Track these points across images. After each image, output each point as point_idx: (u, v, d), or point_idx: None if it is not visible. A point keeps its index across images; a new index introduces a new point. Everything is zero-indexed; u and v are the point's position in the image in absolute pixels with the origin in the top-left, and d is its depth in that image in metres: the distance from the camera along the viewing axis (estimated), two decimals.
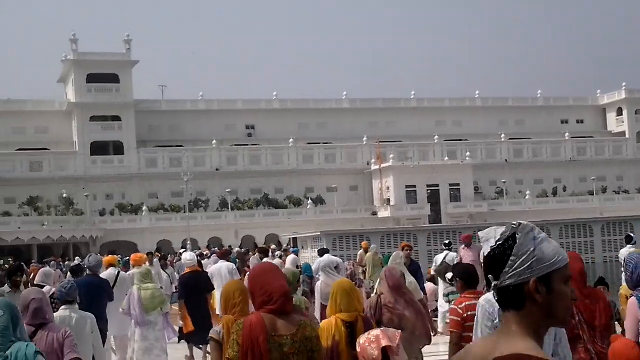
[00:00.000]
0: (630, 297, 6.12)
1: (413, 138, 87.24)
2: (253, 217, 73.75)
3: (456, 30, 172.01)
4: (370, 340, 5.46)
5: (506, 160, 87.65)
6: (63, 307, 7.64)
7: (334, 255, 15.25)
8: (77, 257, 44.16)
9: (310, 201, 77.21)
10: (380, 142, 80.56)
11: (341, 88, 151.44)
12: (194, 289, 12.70)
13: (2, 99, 79.21)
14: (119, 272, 13.55)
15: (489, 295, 4.90)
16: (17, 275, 10.36)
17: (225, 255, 17.86)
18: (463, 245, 15.74)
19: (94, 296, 10.62)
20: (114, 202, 74.72)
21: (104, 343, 10.09)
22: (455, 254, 15.88)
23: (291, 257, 16.22)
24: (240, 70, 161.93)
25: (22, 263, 12.43)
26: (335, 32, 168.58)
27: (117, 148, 77.36)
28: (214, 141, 79.37)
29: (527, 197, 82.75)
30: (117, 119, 77.34)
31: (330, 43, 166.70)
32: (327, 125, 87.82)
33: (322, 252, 14.82)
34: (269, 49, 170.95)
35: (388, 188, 79.24)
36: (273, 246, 37.61)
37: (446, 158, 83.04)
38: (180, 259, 25.62)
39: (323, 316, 7.49)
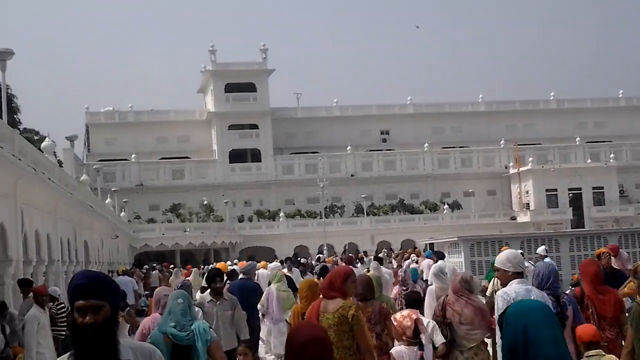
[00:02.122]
0: None
1: (553, 140, 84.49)
2: (389, 223, 73.27)
3: (598, 29, 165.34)
4: (404, 316, 7.30)
5: None
6: None
7: (473, 261, 17.54)
8: (228, 262, 45.04)
9: (446, 206, 76.07)
10: (519, 144, 78.44)
11: (477, 91, 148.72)
12: None
13: (146, 110, 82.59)
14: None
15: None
16: (216, 282, 9.75)
17: (349, 262, 18.55)
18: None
19: (248, 296, 11.85)
20: (252, 209, 76.28)
21: (256, 336, 11.96)
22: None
23: (374, 263, 16.27)
24: (374, 75, 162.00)
25: (218, 268, 11.99)
26: (470, 33, 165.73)
27: (255, 155, 78.99)
28: (349, 147, 79.65)
29: None
30: (254, 127, 79.01)
31: (465, 45, 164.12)
32: (462, 129, 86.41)
33: (438, 256, 17.26)
34: (403, 53, 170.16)
35: (527, 192, 77.01)
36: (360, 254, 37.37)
37: (589, 160, 79.84)
38: (318, 263, 25.85)
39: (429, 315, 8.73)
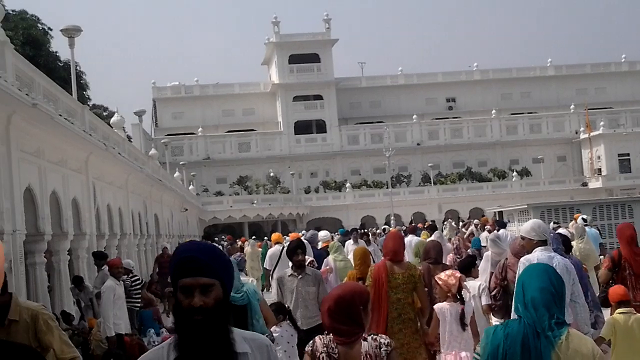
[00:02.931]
0: None
1: (625, 104, 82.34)
2: (456, 191, 72.52)
3: None
4: (448, 275, 7.61)
5: None
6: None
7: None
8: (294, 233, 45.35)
9: (515, 173, 74.88)
10: (589, 109, 76.53)
11: (545, 55, 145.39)
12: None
13: (211, 84, 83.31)
14: (283, 247, 14.99)
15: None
16: (297, 254, 8.86)
17: (413, 231, 18.48)
18: None
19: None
20: (318, 180, 76.45)
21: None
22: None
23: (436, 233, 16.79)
24: (438, 42, 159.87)
25: (304, 240, 11.38)
26: None
27: (320, 126, 78.98)
28: (415, 116, 78.97)
29: None
30: (319, 97, 78.90)
31: (531, 8, 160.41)
32: (531, 94, 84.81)
33: (500, 225, 18.03)
34: (467, 18, 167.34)
35: (599, 157, 75.14)
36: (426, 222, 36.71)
37: None
38: (382, 235, 25.84)
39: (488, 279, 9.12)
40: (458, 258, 13.37)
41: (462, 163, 78.27)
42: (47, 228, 14.45)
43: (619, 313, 6.80)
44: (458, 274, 7.75)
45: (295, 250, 8.91)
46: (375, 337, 4.34)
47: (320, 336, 4.41)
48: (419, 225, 29.42)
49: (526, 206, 34.62)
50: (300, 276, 8.83)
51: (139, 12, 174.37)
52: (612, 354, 6.73)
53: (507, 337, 3.71)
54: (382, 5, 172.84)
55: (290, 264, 9.07)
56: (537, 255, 6.81)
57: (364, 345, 4.28)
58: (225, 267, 2.99)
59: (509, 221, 35.03)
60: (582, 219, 19.13)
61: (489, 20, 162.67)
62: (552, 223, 20.03)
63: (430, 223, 27.94)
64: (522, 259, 6.90)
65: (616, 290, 7.04)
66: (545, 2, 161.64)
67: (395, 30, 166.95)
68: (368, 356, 4.26)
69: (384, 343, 4.31)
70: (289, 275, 8.94)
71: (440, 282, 7.60)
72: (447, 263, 12.48)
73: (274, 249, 15.86)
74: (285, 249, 10.79)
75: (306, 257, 9.40)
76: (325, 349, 4.29)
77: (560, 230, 14.89)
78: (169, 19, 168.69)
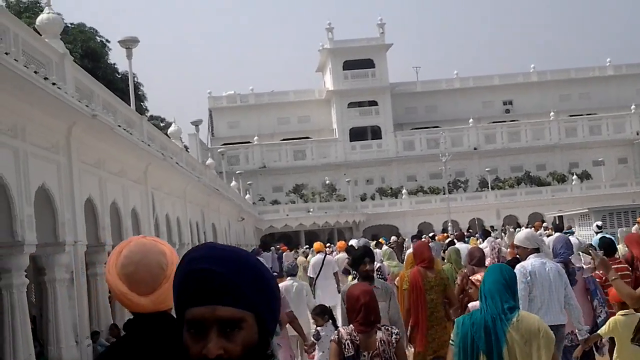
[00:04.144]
0: None
1: None
2: (514, 196, 71.36)
3: None
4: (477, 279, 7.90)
5: None
6: (288, 278, 11.25)
7: (606, 233, 16.24)
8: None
9: (575, 177, 73.37)
10: None
11: (604, 54, 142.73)
12: None
13: (266, 92, 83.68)
14: (325, 255, 16.34)
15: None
16: (365, 263, 7.63)
17: (461, 238, 18.74)
18: None
19: None
20: (374, 187, 76.09)
21: None
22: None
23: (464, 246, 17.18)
24: (494, 44, 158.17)
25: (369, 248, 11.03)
26: None
27: (375, 132, 78.67)
28: (471, 119, 78.10)
29: None
30: (373, 103, 78.63)
31: (587, 7, 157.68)
32: (590, 95, 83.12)
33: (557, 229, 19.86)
34: (522, 19, 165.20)
35: None
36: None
37: None
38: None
39: None
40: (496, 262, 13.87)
41: (520, 167, 77.09)
42: (108, 238, 14.53)
43: (621, 315, 7.09)
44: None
45: (362, 258, 7.76)
46: (387, 327, 5.53)
47: (344, 327, 5.67)
48: (464, 232, 29.46)
49: (587, 210, 33.88)
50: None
51: (194, 22, 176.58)
52: (616, 354, 7.10)
53: (473, 324, 4.51)
54: (436, 8, 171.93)
55: (343, 276, 9.27)
56: (531, 261, 7.56)
57: (379, 334, 5.36)
58: (264, 290, 1.77)
59: (570, 227, 34.30)
60: (597, 225, 19.42)
61: (545, 20, 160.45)
62: (594, 225, 20.39)
63: (463, 233, 28.00)
64: (517, 265, 7.51)
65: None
66: (602, 0, 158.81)
67: (450, 33, 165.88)
68: (382, 342, 5.33)
69: (394, 332, 5.44)
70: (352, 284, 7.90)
71: (475, 283, 7.90)
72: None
73: (317, 258, 16.45)
74: (351, 258, 10.15)
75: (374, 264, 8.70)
76: (349, 337, 5.34)
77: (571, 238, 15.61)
78: (223, 29, 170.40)
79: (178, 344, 1.84)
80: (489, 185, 72.98)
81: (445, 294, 8.73)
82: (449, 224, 56.56)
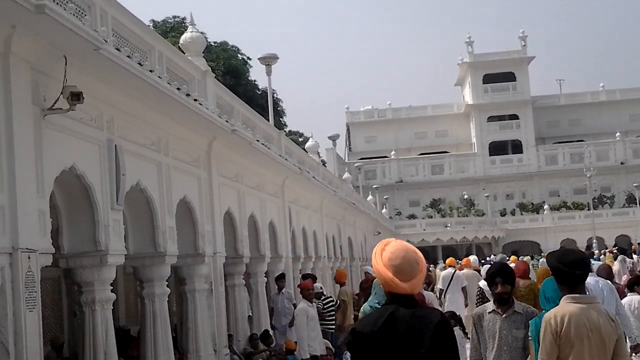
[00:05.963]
0: None
1: None
2: None
3: None
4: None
5: None
6: None
7: None
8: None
9: None
10: None
11: None
12: None
13: (404, 107, 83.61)
14: (455, 271, 17.11)
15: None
16: (496, 283, 6.36)
17: (590, 256, 19.38)
18: None
19: None
20: (514, 202, 74.40)
21: None
22: None
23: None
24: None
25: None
26: None
27: (516, 147, 77.02)
28: (618, 133, 75.07)
29: None
30: (514, 117, 77.08)
31: None
32: None
33: None
34: None
35: None
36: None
37: None
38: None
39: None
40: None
41: None
42: (246, 250, 14.81)
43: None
44: None
45: (493, 277, 6.49)
46: None
47: None
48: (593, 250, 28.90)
49: None
50: (504, 315, 6.36)
51: (331, 39, 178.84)
52: None
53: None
54: (579, 20, 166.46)
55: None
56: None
57: None
58: None
59: None
60: None
61: None
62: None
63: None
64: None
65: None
66: None
67: (594, 45, 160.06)
68: None
69: None
70: (490, 312, 6.46)
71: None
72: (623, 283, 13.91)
73: (447, 271, 17.43)
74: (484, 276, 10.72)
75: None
76: None
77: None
78: (360, 45, 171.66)
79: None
80: (637, 201, 69.69)
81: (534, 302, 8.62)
82: (594, 240, 54.41)
